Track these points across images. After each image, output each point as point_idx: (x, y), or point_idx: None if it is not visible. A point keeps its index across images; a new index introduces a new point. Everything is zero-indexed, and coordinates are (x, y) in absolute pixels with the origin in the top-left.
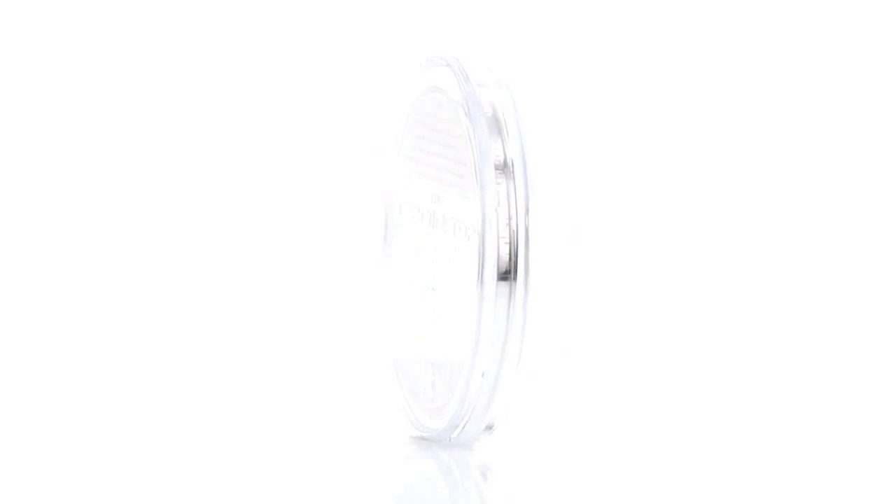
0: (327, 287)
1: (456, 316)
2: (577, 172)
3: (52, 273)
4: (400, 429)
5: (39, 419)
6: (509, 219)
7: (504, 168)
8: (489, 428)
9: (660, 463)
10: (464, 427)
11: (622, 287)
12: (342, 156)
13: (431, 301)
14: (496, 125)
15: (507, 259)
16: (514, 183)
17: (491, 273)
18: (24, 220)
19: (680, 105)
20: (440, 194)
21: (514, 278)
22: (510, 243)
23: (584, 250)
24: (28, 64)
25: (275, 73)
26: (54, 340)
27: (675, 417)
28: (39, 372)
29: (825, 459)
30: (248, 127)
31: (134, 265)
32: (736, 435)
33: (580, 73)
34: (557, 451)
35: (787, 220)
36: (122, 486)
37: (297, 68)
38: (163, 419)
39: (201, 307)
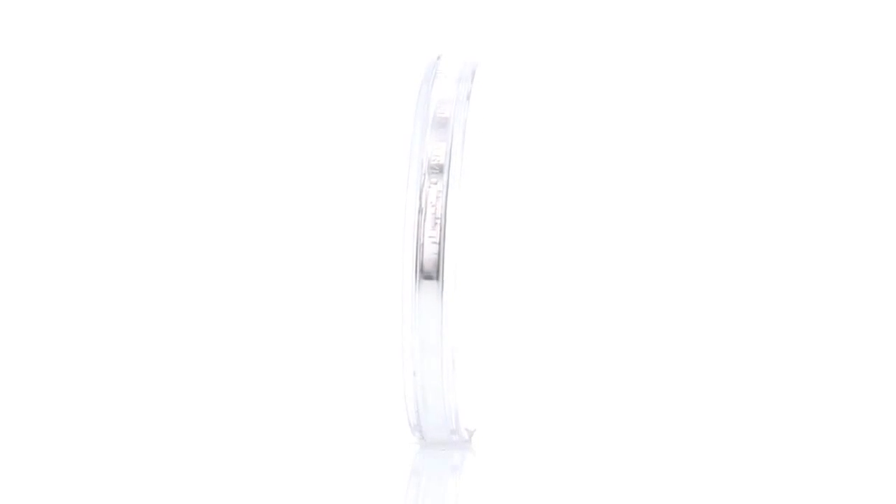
0: (323, 287)
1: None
2: (516, 174)
3: (58, 275)
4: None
5: (41, 418)
6: (437, 218)
7: (441, 169)
8: (453, 431)
9: (624, 458)
10: (420, 428)
11: (558, 287)
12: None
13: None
14: (442, 126)
15: (434, 258)
16: (448, 183)
17: (410, 272)
18: (39, 221)
19: (640, 114)
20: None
21: (440, 278)
22: (438, 242)
23: (516, 250)
24: (36, 65)
25: (270, 71)
26: (67, 342)
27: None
28: (52, 371)
29: (795, 457)
30: (243, 125)
31: (134, 266)
32: (709, 429)
33: (560, 76)
34: (537, 450)
35: (731, 212)
36: (129, 486)
37: (274, 66)
38: (164, 425)
39: (203, 313)
